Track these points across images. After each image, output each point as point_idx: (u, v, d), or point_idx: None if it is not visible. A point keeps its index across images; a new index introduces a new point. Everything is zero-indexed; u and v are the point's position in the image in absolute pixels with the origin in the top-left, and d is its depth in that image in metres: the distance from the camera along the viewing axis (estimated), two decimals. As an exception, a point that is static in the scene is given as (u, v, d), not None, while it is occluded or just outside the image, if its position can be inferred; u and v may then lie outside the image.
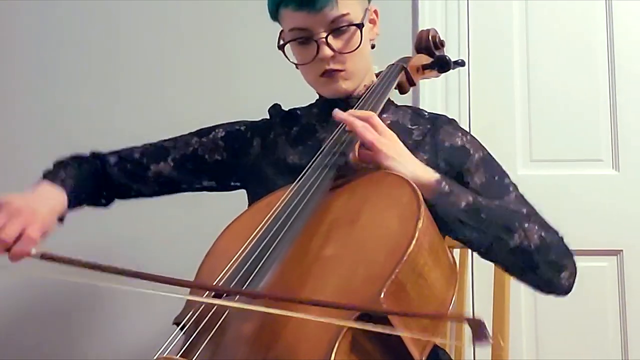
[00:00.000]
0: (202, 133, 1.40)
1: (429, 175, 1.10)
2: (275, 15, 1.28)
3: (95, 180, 1.32)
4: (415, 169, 1.09)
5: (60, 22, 2.04)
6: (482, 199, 1.14)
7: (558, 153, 2.02)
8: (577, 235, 1.98)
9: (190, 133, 1.41)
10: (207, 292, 0.97)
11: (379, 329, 0.85)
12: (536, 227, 1.13)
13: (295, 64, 1.30)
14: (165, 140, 1.40)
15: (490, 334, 0.82)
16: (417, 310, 0.96)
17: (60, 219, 1.20)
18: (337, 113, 1.12)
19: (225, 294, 0.94)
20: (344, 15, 1.23)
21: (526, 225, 1.12)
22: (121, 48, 2.03)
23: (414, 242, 0.93)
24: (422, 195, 1.03)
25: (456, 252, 1.58)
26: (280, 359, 0.89)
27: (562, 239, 1.17)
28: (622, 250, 1.96)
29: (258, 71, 1.95)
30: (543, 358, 1.94)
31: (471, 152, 1.27)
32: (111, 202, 1.38)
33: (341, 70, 1.26)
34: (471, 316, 0.80)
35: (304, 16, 1.22)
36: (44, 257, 0.91)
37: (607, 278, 1.96)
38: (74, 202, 1.24)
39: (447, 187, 1.09)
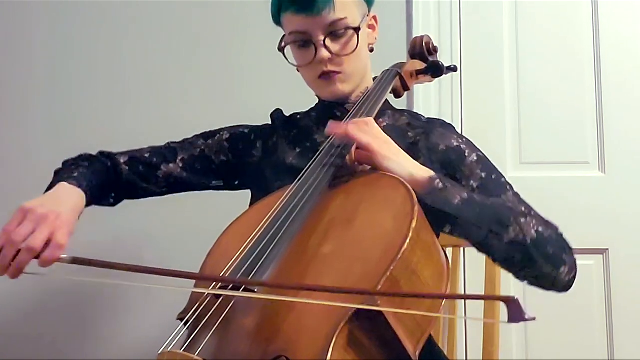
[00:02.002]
0: (207, 135, 1.41)
1: (423, 172, 1.10)
2: (277, 19, 1.29)
3: (105, 179, 1.30)
4: (410, 167, 1.10)
5: (70, 31, 2.04)
6: (477, 195, 1.13)
7: (546, 156, 2.03)
8: (564, 234, 2.00)
9: (196, 135, 1.41)
10: (212, 286, 0.98)
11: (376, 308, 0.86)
12: (533, 222, 1.10)
13: (296, 66, 1.30)
14: (172, 142, 1.40)
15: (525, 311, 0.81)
16: (411, 305, 0.96)
17: None
18: (332, 129, 1.13)
19: (230, 287, 0.95)
20: (341, 19, 1.23)
21: (522, 220, 1.10)
22: (130, 55, 2.03)
23: (407, 240, 0.94)
24: (417, 192, 1.04)
25: (449, 250, 1.58)
26: (280, 352, 0.90)
27: (561, 234, 1.14)
28: (607, 249, 1.97)
29: (261, 77, 1.95)
30: (532, 355, 1.95)
31: (466, 153, 1.25)
32: (119, 202, 1.36)
33: (338, 72, 1.26)
34: (507, 295, 0.79)
35: (303, 19, 1.23)
36: (76, 261, 0.92)
37: (593, 276, 1.97)
38: (89, 200, 1.22)
39: (440, 183, 1.08)
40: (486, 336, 1.45)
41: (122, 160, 1.34)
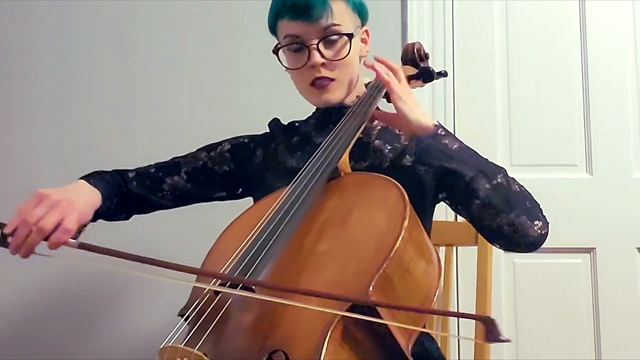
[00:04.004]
0: (209, 148, 1.41)
1: (430, 120, 1.18)
2: (273, 27, 1.29)
3: (117, 192, 1.32)
4: (419, 114, 1.18)
5: (76, 38, 2.03)
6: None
7: (536, 158, 2.04)
8: (553, 234, 1.99)
9: (199, 149, 1.42)
10: (211, 282, 0.98)
11: (366, 317, 0.86)
12: (517, 182, 1.16)
13: (287, 68, 1.30)
14: (175, 157, 1.41)
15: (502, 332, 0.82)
16: (404, 302, 0.96)
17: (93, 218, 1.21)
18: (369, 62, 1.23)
19: (228, 284, 0.95)
20: (336, 25, 1.24)
21: (508, 176, 1.16)
22: (134, 60, 2.03)
23: (400, 239, 0.95)
24: (422, 135, 1.15)
25: (442, 249, 1.58)
26: (277, 346, 0.90)
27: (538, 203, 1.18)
28: (595, 248, 1.98)
29: (262, 85, 1.96)
30: (522, 351, 1.95)
31: (448, 144, 1.27)
32: (130, 216, 1.39)
33: (330, 80, 1.26)
34: (484, 315, 0.81)
35: (299, 25, 1.23)
36: (82, 247, 0.96)
37: (581, 274, 1.98)
38: (104, 207, 1.24)
39: (443, 132, 1.17)
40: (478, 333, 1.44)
41: (130, 176, 1.36)
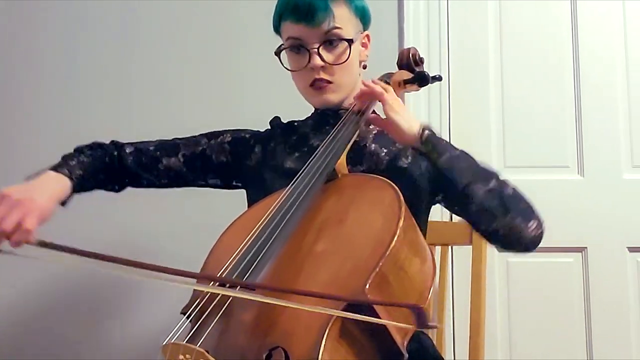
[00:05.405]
0: (211, 136, 1.41)
1: (420, 128, 1.18)
2: (277, 27, 1.30)
3: (108, 167, 1.33)
4: (412, 123, 1.18)
5: (77, 43, 2.03)
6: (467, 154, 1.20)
7: (529, 160, 2.04)
8: (546, 234, 2.00)
9: (202, 134, 1.42)
10: (212, 282, 0.98)
11: (362, 317, 0.87)
12: (510, 184, 1.17)
13: (289, 69, 1.30)
14: (178, 138, 1.42)
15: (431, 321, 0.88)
16: (400, 300, 0.97)
17: (63, 203, 1.22)
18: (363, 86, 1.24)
19: (228, 285, 0.96)
20: (337, 28, 1.24)
21: (502, 179, 1.17)
22: (136, 61, 2.02)
23: (395, 238, 0.95)
24: (414, 144, 1.16)
25: (438, 249, 1.59)
26: (277, 343, 0.91)
27: (532, 204, 1.19)
28: (586, 248, 1.99)
29: (263, 83, 1.96)
30: (515, 349, 1.96)
31: None
32: (123, 189, 1.39)
33: (329, 82, 1.27)
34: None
35: (301, 28, 1.24)
36: (43, 244, 0.94)
37: (573, 272, 1.99)
38: (81, 188, 1.26)
39: (435, 139, 1.17)
40: (473, 331, 1.45)
41: (128, 151, 1.37)
